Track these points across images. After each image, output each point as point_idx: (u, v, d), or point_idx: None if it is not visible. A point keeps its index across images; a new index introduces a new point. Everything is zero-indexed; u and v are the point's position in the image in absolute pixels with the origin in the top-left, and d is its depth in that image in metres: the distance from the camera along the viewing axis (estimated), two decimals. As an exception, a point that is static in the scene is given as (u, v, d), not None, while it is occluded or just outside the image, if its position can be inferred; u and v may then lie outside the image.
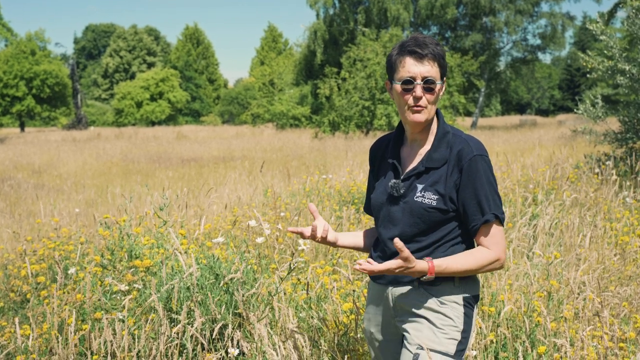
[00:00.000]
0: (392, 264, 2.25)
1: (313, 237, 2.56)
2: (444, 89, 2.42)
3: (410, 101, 2.36)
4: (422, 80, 2.34)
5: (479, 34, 42.40)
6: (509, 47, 45.64)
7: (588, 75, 10.55)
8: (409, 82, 2.34)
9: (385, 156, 2.55)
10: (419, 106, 2.35)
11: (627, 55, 9.71)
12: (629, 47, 10.37)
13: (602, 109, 10.24)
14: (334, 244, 2.62)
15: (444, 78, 2.40)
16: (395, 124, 29.15)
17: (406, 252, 2.23)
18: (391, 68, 2.41)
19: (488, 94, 45.85)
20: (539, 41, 45.12)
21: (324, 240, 2.57)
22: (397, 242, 2.22)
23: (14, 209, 10.11)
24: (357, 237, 2.71)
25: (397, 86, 2.37)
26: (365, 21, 40.67)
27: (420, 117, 2.37)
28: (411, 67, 2.34)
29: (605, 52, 9.90)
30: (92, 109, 70.66)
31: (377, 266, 2.25)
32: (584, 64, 10.14)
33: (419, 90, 2.34)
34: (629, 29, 9.86)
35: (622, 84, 9.69)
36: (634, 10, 9.75)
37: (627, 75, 9.56)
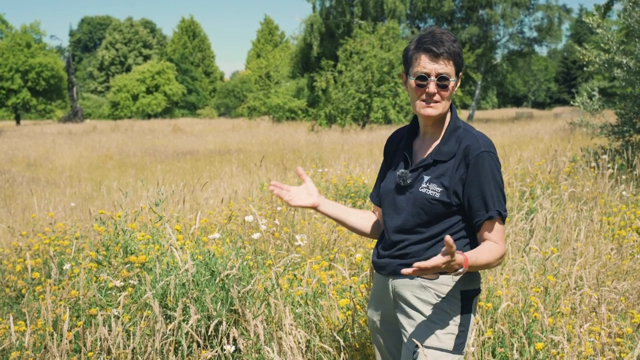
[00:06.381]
0: (438, 260, 2.13)
1: (289, 201, 2.57)
2: (459, 84, 2.46)
3: (423, 96, 2.40)
4: (436, 77, 2.37)
5: (475, 27, 42.37)
6: (505, 40, 45.66)
7: (585, 68, 10.51)
8: (423, 78, 2.38)
9: (400, 147, 2.58)
10: (433, 101, 2.39)
11: (624, 48, 9.69)
12: (626, 40, 10.33)
13: (599, 101, 10.22)
14: (314, 208, 2.62)
15: (459, 73, 2.43)
16: (392, 117, 29.16)
17: (454, 247, 2.12)
18: (407, 62, 2.45)
19: (484, 86, 45.84)
20: (535, 34, 45.09)
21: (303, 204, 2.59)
22: (448, 239, 2.09)
23: (8, 202, 10.06)
24: (344, 213, 2.69)
25: (412, 81, 2.41)
26: (361, 14, 40.56)
27: (432, 111, 2.40)
28: (426, 64, 2.37)
29: (602, 45, 9.86)
30: (88, 102, 70.45)
31: (424, 263, 2.13)
32: (581, 57, 10.11)
33: (432, 87, 2.37)
34: (625, 21, 9.83)
35: (619, 77, 9.67)
36: (630, 3, 9.72)
37: (624, 68, 9.54)
